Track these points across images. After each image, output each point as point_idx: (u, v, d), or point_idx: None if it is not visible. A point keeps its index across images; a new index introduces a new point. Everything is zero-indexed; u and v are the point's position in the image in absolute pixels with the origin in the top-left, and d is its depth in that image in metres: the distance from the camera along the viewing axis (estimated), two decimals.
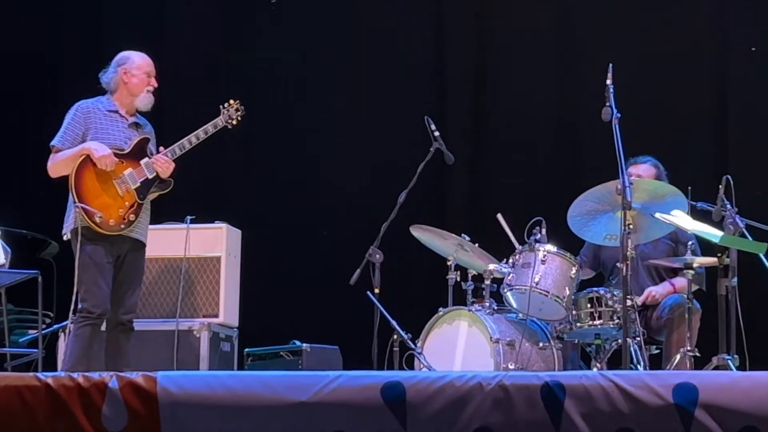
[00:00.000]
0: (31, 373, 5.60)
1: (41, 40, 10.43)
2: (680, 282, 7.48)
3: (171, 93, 9.82)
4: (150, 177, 7.30)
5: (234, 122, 7.61)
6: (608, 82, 6.83)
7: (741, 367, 6.72)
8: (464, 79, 10.18)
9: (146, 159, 7.31)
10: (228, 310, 8.35)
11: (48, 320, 8.42)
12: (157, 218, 8.17)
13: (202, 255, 8.34)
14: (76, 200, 7.07)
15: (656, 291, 7.60)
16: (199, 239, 8.35)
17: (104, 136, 7.26)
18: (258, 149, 10.30)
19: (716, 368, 6.70)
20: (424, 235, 7.77)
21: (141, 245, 7.35)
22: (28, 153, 8.48)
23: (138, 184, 7.26)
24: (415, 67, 10.26)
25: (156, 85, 7.45)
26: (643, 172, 7.65)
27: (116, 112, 7.36)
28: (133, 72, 7.38)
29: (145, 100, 7.41)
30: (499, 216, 7.72)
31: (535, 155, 9.95)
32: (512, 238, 7.63)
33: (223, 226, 8.44)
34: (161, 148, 7.36)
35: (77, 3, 10.44)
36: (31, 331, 8.64)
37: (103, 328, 7.27)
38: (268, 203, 10.10)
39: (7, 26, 10.38)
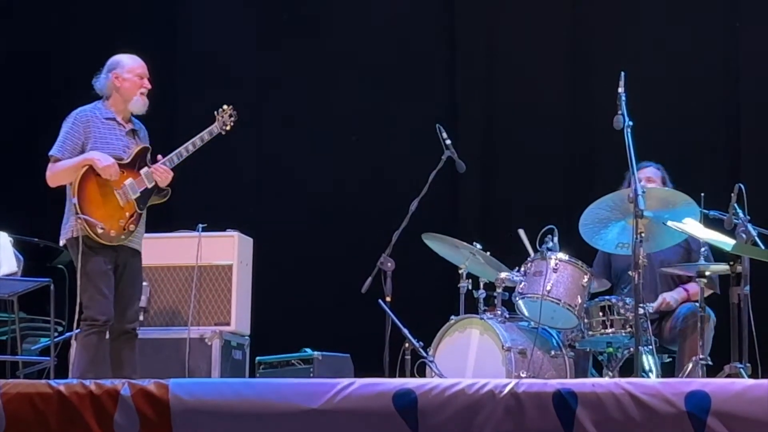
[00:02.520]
0: (43, 381, 5.62)
1: (51, 47, 10.46)
2: (694, 288, 7.47)
3: (183, 96, 9.87)
4: (149, 186, 7.24)
5: (227, 128, 7.53)
6: (620, 90, 6.83)
7: (753, 376, 6.70)
8: (475, 87, 10.18)
9: (146, 168, 7.24)
10: (239, 318, 8.35)
11: (60, 328, 8.42)
12: (168, 226, 8.20)
13: (213, 263, 8.35)
14: (79, 211, 7.04)
15: (670, 297, 7.59)
16: (210, 247, 8.35)
17: (104, 146, 7.19)
18: (269, 157, 10.31)
19: (728, 376, 6.68)
20: (436, 243, 7.77)
21: (138, 254, 7.32)
22: (39, 161, 8.47)
23: (138, 194, 7.20)
24: (426, 74, 10.28)
25: (149, 86, 7.33)
26: (650, 174, 7.63)
27: (113, 119, 7.29)
28: (125, 76, 7.29)
29: (138, 104, 7.31)
30: (521, 231, 7.69)
31: (547, 163, 9.94)
32: (530, 252, 7.61)
33: (235, 234, 8.44)
34: (159, 157, 7.32)
35: (88, 7, 10.46)
36: (43, 339, 8.65)
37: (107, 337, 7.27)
38: (280, 211, 10.11)
39: (17, 35, 10.41)
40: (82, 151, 7.17)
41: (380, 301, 7.39)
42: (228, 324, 8.30)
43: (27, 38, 10.42)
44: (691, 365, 7.10)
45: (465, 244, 7.65)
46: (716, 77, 9.80)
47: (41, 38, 10.46)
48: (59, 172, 7.16)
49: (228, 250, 8.40)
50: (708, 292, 7.29)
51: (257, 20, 10.56)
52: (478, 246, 7.64)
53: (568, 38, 10.12)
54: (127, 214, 7.19)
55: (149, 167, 7.27)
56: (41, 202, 9.42)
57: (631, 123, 6.78)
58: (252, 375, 8.44)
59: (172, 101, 8.65)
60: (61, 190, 7.27)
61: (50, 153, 7.20)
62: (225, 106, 7.57)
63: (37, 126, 10.14)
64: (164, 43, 10.25)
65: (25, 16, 10.45)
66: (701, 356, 7.07)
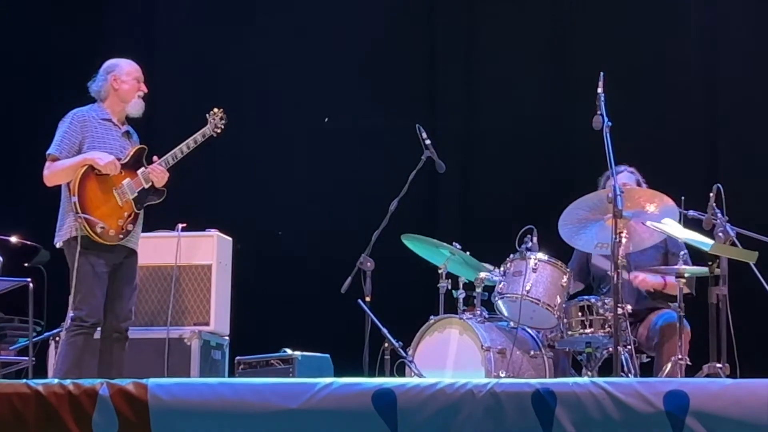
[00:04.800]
0: (21, 381, 5.60)
1: (35, 47, 10.43)
2: (671, 280, 7.45)
3: (162, 100, 9.85)
4: (146, 187, 7.32)
5: (218, 131, 7.63)
6: (599, 90, 6.85)
7: (732, 375, 6.72)
8: (455, 86, 10.20)
9: (143, 169, 7.33)
10: (219, 318, 8.34)
11: (38, 328, 8.40)
12: (148, 226, 8.17)
13: (192, 263, 8.33)
14: (79, 211, 7.07)
15: (648, 277, 7.57)
16: (190, 247, 8.33)
17: (101, 146, 7.26)
18: (249, 157, 10.30)
19: (707, 376, 6.70)
20: (415, 243, 7.77)
21: (134, 253, 7.39)
22: (19, 160, 8.47)
23: (135, 194, 7.29)
24: (405, 75, 10.28)
25: (146, 90, 7.46)
26: (624, 179, 7.63)
27: (109, 120, 7.37)
28: (123, 78, 7.39)
29: (136, 106, 7.43)
30: None
31: (527, 163, 9.96)
32: None
33: (214, 234, 8.43)
34: (155, 158, 7.37)
35: (71, 10, 10.44)
36: (21, 339, 8.62)
37: (97, 336, 7.27)
38: (259, 211, 10.10)
39: (1, 33, 10.38)
40: (79, 151, 7.22)
41: (360, 301, 7.39)
42: (207, 324, 8.28)
43: (10, 43, 10.39)
44: (670, 365, 7.12)
45: (444, 244, 7.66)
46: (695, 78, 9.84)
47: (24, 42, 10.43)
48: (58, 171, 7.19)
49: (207, 250, 8.39)
50: (684, 290, 7.31)
51: (235, 23, 10.55)
52: (458, 246, 7.64)
53: (547, 38, 10.15)
54: (126, 213, 7.25)
55: (146, 167, 7.34)
56: (20, 202, 9.41)
57: (610, 123, 6.79)
58: (231, 375, 8.42)
59: (151, 105, 8.59)
60: (46, 190, 7.27)
61: (48, 152, 7.24)
62: (216, 109, 7.66)
63: (16, 126, 10.14)
64: (142, 47, 10.23)
65: (9, 22, 10.42)
66: (680, 356, 7.09)
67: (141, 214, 7.36)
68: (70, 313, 7.09)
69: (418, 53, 10.37)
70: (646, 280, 7.56)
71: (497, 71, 10.13)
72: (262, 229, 9.99)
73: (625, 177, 7.68)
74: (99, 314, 7.14)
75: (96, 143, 7.25)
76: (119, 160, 7.26)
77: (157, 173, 7.33)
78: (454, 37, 10.28)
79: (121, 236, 7.21)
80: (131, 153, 7.35)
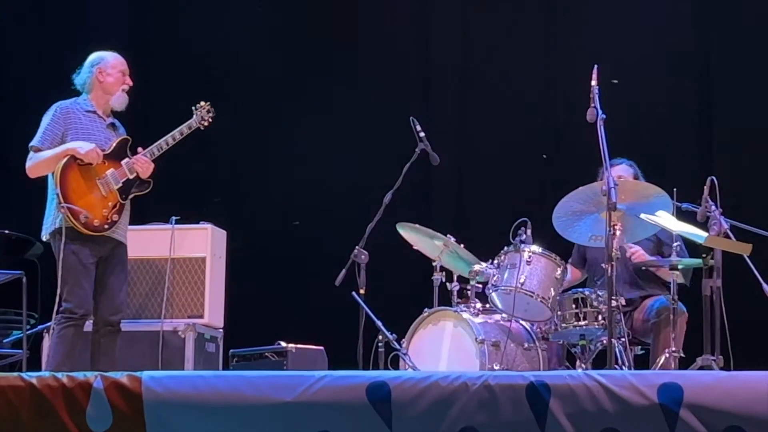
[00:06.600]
0: (15, 374, 5.59)
1: (24, 38, 10.41)
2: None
3: (157, 96, 9.85)
4: (131, 177, 7.31)
5: (206, 123, 7.64)
6: (593, 83, 6.84)
7: (725, 368, 6.73)
8: (449, 79, 10.19)
9: (127, 159, 7.32)
10: (213, 311, 8.34)
11: (32, 321, 8.39)
12: (142, 219, 8.17)
13: (187, 256, 8.33)
14: (62, 201, 7.06)
15: (644, 253, 7.59)
16: (184, 240, 8.33)
17: (86, 137, 7.25)
18: (243, 150, 10.29)
19: (701, 369, 6.71)
20: (410, 233, 7.77)
21: (122, 245, 7.36)
22: (10, 153, 8.42)
23: (120, 185, 7.27)
24: (400, 67, 10.27)
25: (131, 83, 7.45)
26: (622, 172, 7.66)
27: (94, 112, 7.37)
28: (108, 71, 7.39)
29: (120, 99, 7.42)
30: None
31: (521, 156, 9.96)
32: None
33: (208, 226, 8.43)
34: (140, 149, 7.36)
35: (63, 3, 10.43)
36: (15, 332, 8.62)
37: (88, 328, 7.26)
38: (254, 204, 10.10)
39: None
40: (62, 143, 7.21)
41: (354, 293, 7.39)
42: (201, 317, 8.29)
43: None
44: (664, 357, 7.13)
45: (439, 234, 7.66)
46: (689, 71, 9.83)
47: (13, 34, 10.41)
48: (39, 162, 7.19)
49: (201, 242, 8.39)
50: (679, 280, 7.31)
51: (232, 18, 10.53)
52: (452, 238, 7.64)
53: (542, 31, 10.13)
54: (110, 204, 7.23)
55: (130, 158, 7.32)
56: (12, 195, 9.40)
57: (604, 116, 6.79)
58: (225, 368, 8.43)
59: (144, 97, 8.63)
60: (38, 183, 7.26)
61: (31, 144, 7.24)
62: (202, 102, 7.66)
63: (6, 119, 10.11)
64: (136, 39, 10.23)
65: None
66: (674, 349, 7.10)
67: (127, 205, 7.33)
68: (59, 306, 7.08)
69: (412, 45, 10.35)
70: (641, 254, 7.57)
71: (492, 63, 10.12)
72: (256, 222, 9.98)
73: (623, 170, 7.71)
74: (88, 305, 7.12)
75: (80, 135, 7.24)
76: (103, 150, 7.25)
77: (141, 164, 7.31)
78: (448, 29, 10.26)
79: (106, 226, 7.19)
80: (115, 143, 7.33)
